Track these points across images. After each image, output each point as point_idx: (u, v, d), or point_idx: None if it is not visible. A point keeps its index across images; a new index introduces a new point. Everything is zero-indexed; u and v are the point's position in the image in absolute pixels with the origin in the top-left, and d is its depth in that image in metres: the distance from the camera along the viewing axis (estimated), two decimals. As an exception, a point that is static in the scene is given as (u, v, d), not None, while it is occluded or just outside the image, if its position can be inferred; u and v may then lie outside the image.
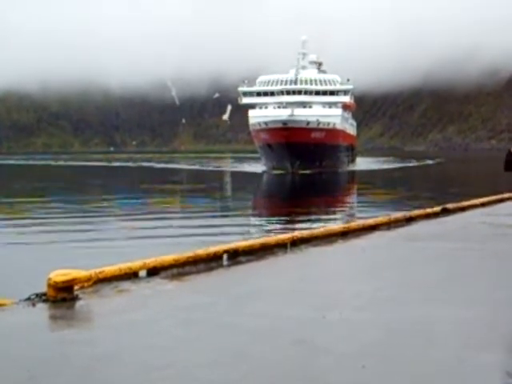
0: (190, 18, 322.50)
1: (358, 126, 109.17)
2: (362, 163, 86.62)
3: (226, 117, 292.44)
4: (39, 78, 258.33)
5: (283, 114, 73.26)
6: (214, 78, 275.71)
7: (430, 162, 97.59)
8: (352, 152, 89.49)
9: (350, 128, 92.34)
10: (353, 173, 72.82)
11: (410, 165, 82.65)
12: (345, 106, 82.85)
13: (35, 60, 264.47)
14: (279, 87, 79.23)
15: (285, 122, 67.73)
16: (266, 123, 70.35)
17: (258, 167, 76.09)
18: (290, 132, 66.15)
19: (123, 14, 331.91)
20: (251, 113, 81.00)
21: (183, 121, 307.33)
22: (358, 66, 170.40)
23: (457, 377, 5.32)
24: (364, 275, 9.40)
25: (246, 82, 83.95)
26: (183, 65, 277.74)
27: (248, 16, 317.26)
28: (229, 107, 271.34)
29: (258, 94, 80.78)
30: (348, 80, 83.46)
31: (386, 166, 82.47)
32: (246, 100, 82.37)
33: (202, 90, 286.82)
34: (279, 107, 78.07)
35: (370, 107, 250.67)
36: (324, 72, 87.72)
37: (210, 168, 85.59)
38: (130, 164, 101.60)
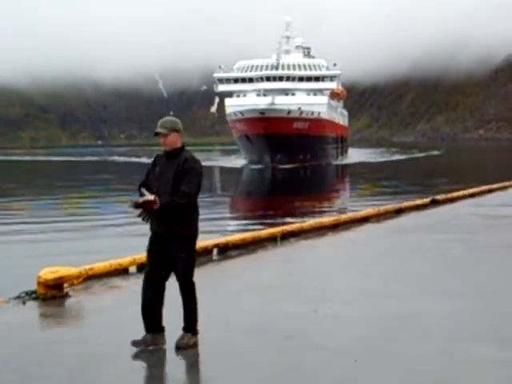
0: (179, 9, 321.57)
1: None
2: (356, 155, 78.58)
3: (213, 109, 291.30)
4: (27, 72, 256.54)
5: (262, 102, 65.76)
6: (203, 70, 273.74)
7: (436, 152, 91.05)
8: (342, 144, 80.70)
9: (340, 118, 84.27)
10: (342, 167, 63.37)
11: (420, 155, 78.35)
12: (333, 94, 75.07)
13: (23, 53, 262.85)
14: (259, 73, 71.05)
15: (262, 112, 60.50)
16: (242, 113, 63.30)
17: (239, 161, 67.18)
18: (269, 122, 59.37)
19: (111, 6, 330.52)
20: (228, 101, 72.74)
21: (171, 113, 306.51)
22: (347, 56, 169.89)
23: (448, 369, 5.34)
24: (354, 268, 9.41)
25: (222, 67, 75.16)
26: (172, 57, 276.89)
27: (240, 7, 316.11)
28: (216, 99, 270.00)
29: (236, 80, 72.39)
30: (335, 65, 74.86)
31: (394, 158, 74.99)
32: (222, 87, 73.88)
33: (190, 82, 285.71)
34: (259, 95, 69.97)
35: (358, 98, 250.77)
36: (312, 58, 78.26)
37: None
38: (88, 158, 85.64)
